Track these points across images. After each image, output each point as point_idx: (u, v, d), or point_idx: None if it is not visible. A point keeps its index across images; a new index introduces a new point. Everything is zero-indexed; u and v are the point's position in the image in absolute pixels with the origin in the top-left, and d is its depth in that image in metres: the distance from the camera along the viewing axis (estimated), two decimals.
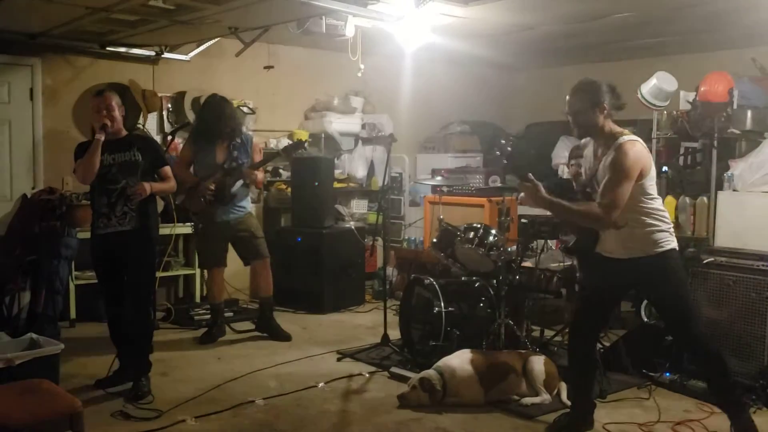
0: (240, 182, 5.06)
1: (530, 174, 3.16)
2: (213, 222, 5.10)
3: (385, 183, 5.31)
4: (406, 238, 7.11)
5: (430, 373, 3.91)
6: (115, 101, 4.03)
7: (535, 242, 4.54)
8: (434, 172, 6.48)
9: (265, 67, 6.27)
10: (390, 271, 6.63)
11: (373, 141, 7.32)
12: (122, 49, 5.75)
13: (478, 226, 4.54)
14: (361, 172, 7.21)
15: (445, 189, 6.07)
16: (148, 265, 4.17)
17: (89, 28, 5.15)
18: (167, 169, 4.18)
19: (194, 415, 3.67)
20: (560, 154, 7.02)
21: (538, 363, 4.01)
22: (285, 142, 6.62)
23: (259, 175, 5.23)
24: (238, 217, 5.14)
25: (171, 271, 6.06)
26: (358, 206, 7.32)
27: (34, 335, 3.72)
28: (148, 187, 3.97)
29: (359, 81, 7.17)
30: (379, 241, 6.96)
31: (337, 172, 6.90)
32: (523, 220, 4.15)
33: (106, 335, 4.27)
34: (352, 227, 6.39)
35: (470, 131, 7.95)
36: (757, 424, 3.22)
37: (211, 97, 5.26)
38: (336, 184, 6.86)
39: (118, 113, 4.00)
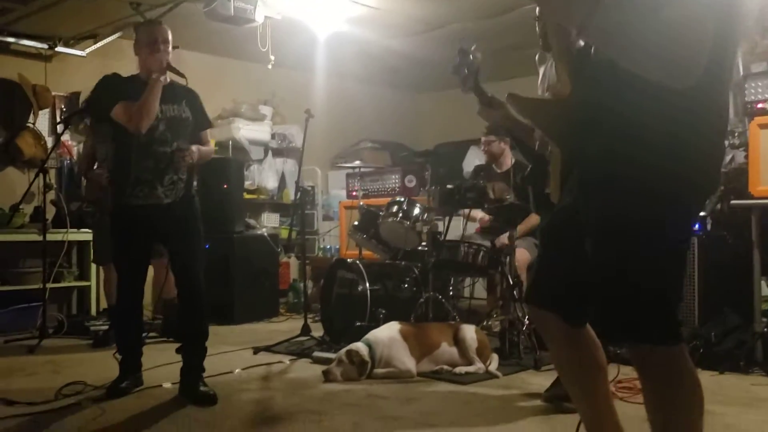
0: None
1: None
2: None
3: (299, 192, 4.75)
4: (322, 247, 6.85)
5: (357, 345, 3.64)
6: (170, 35, 3.25)
7: (461, 211, 4.39)
8: (349, 177, 6.33)
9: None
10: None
11: (283, 153, 7.12)
12: (11, 39, 5.34)
13: (402, 199, 4.39)
14: (271, 183, 6.95)
15: (360, 193, 5.91)
16: (201, 241, 3.38)
17: None
18: (208, 132, 3.55)
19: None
20: (471, 162, 7.04)
21: (470, 332, 3.83)
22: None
23: None
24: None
25: (63, 282, 5.51)
26: (270, 220, 7.02)
27: None
28: (196, 151, 3.28)
29: (268, 92, 7.04)
30: (293, 258, 6.69)
31: (246, 183, 6.61)
32: (448, 186, 4.01)
33: None
34: (265, 234, 6.08)
35: (381, 148, 7.90)
36: None
37: None
38: (246, 196, 6.55)
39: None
